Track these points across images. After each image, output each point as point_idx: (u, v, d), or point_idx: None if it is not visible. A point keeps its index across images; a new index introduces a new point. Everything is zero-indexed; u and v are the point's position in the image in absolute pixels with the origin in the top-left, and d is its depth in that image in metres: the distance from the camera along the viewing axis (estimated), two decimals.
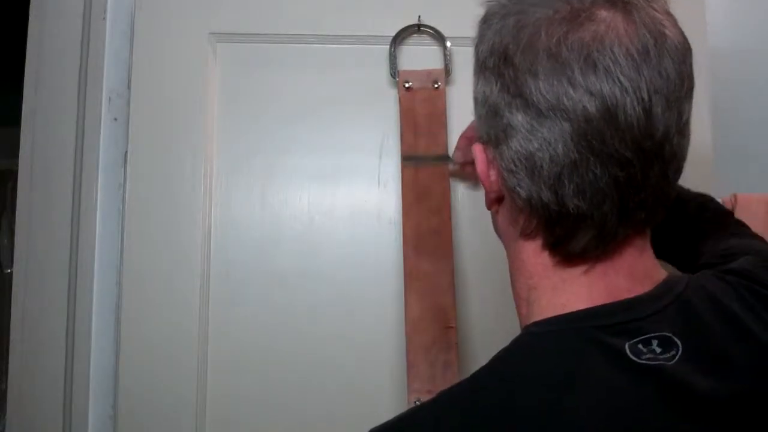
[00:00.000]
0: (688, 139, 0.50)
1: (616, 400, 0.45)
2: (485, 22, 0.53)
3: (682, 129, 0.49)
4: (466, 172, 0.88)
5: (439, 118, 0.90)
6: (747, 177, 1.08)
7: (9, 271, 1.70)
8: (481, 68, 0.52)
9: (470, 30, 0.55)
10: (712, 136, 0.94)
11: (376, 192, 0.94)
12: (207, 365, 0.90)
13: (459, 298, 0.87)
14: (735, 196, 1.05)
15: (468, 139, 0.83)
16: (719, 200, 1.03)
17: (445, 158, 0.89)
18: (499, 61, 0.50)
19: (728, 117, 1.04)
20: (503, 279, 0.57)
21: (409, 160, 0.89)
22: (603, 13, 0.47)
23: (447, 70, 0.92)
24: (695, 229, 0.69)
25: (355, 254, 0.93)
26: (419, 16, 0.93)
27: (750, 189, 1.05)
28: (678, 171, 0.50)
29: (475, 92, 0.54)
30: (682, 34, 0.50)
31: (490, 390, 0.47)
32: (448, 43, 0.93)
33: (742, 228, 0.71)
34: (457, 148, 0.87)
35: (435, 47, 0.94)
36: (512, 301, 0.56)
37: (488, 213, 0.58)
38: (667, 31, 0.48)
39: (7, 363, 0.90)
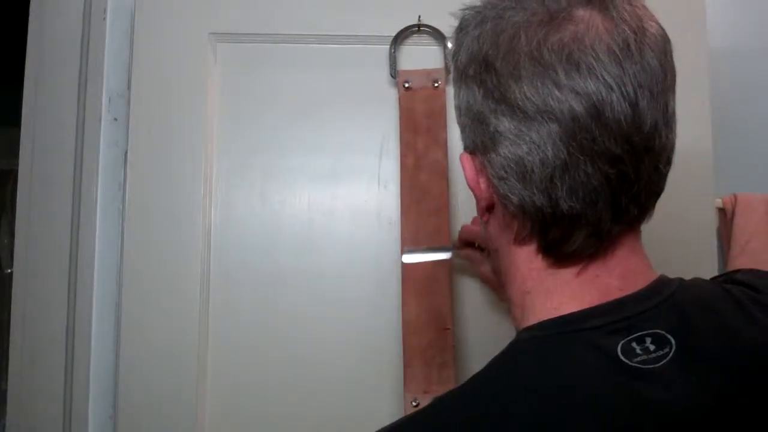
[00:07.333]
0: (675, 131, 0.51)
1: (607, 405, 0.45)
2: (461, 30, 0.53)
3: (668, 121, 0.49)
4: (469, 254, 0.86)
5: (438, 117, 0.89)
6: (747, 177, 1.08)
7: (9, 271, 1.70)
8: (462, 77, 0.52)
9: None
10: (712, 136, 0.94)
11: (376, 192, 0.94)
12: (207, 365, 0.90)
13: (456, 300, 0.87)
14: (735, 196, 1.05)
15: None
16: (719, 200, 1.04)
17: (445, 249, 0.87)
18: (480, 68, 0.49)
19: (728, 117, 1.04)
20: None
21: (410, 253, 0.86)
22: (580, 13, 0.47)
23: (447, 70, 0.92)
24: None
25: (355, 254, 0.93)
26: (419, 16, 0.93)
27: (750, 189, 1.05)
28: (668, 163, 0.50)
29: (458, 102, 0.53)
30: (660, 26, 0.50)
31: (483, 397, 0.47)
32: (448, 43, 0.93)
33: None
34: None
35: (435, 47, 0.94)
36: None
37: None
38: (646, 25, 0.48)
39: (7, 363, 0.90)
